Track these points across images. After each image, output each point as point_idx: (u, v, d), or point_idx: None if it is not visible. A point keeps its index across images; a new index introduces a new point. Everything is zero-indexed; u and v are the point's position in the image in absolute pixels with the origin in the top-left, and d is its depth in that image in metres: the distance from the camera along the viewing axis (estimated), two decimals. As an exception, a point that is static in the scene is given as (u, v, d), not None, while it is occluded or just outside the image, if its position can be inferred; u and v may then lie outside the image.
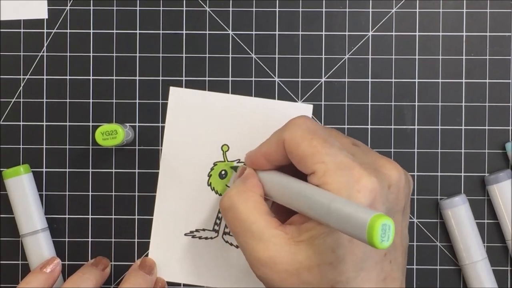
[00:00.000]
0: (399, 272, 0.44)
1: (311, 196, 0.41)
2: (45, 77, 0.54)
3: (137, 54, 0.54)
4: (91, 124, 0.54)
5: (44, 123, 0.54)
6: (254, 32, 0.53)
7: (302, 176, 0.44)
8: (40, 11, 0.54)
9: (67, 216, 0.54)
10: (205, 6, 0.54)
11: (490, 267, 0.52)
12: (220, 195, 0.53)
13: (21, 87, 0.54)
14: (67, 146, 0.54)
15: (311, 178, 0.43)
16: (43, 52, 0.54)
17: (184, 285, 0.54)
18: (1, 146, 0.54)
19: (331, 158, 0.42)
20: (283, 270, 0.42)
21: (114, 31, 0.54)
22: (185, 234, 0.53)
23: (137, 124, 0.53)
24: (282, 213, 0.46)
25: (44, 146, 0.54)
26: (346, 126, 0.53)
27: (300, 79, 0.53)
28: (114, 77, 0.54)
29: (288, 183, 0.44)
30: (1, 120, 0.54)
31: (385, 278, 0.43)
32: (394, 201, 0.43)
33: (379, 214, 0.35)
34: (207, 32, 0.53)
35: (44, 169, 0.54)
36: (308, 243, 0.42)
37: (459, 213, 0.52)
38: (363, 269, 0.42)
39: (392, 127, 0.53)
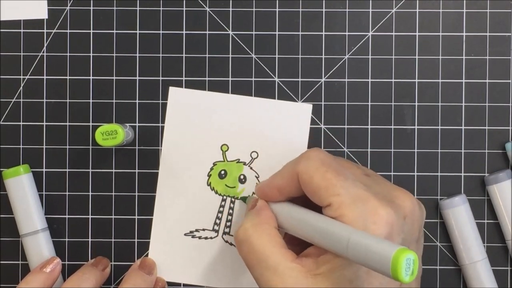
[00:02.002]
0: None
1: (329, 229, 0.41)
2: (45, 77, 0.54)
3: (137, 54, 0.54)
4: (91, 124, 0.54)
5: (44, 123, 0.54)
6: (254, 32, 0.53)
7: (314, 207, 0.44)
8: (40, 11, 0.54)
9: (67, 216, 0.54)
10: (205, 6, 0.54)
11: (490, 267, 0.52)
12: (220, 194, 0.53)
13: (21, 87, 0.54)
14: (67, 146, 0.54)
15: (326, 210, 0.43)
16: (43, 52, 0.54)
17: (184, 285, 0.54)
18: (1, 146, 0.54)
19: (346, 191, 0.42)
20: None
21: (114, 31, 0.54)
22: (185, 234, 0.53)
23: (137, 124, 0.53)
24: (296, 244, 0.46)
25: (44, 146, 0.54)
26: (346, 126, 0.53)
27: (300, 79, 0.53)
28: (114, 77, 0.54)
29: (303, 215, 0.44)
30: (1, 120, 0.54)
31: None
32: (409, 231, 0.43)
33: (403, 248, 0.35)
34: (207, 32, 0.53)
35: (44, 169, 0.54)
36: (326, 276, 0.42)
37: (459, 213, 0.52)
38: None
39: (392, 127, 0.53)
